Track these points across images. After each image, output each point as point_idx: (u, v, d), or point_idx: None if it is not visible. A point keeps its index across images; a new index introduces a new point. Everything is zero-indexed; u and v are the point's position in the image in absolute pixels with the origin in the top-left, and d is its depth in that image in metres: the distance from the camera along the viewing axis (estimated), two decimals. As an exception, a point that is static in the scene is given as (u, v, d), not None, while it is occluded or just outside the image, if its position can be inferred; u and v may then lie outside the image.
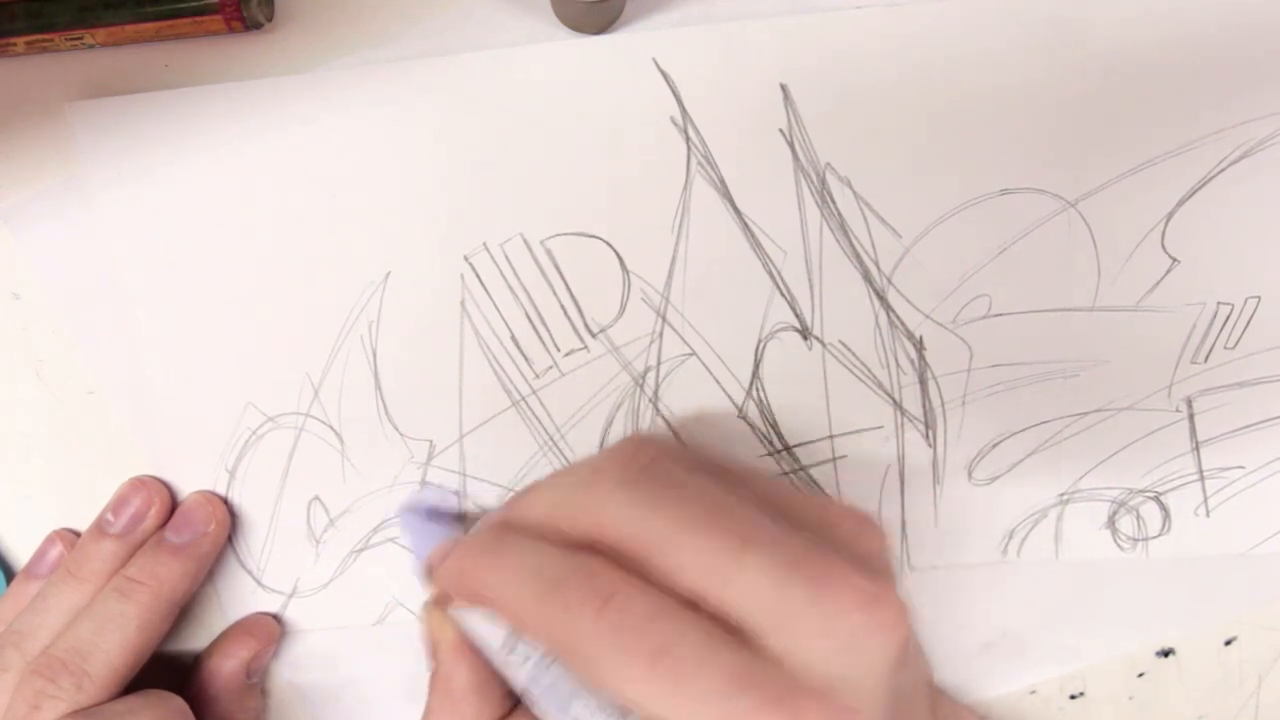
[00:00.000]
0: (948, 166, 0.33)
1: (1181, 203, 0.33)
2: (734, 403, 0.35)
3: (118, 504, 0.36)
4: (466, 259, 0.33)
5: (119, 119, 0.33)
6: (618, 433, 0.35)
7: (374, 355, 0.34)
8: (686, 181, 0.33)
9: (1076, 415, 0.36)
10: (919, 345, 0.35)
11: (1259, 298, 0.34)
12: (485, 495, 0.36)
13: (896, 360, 0.35)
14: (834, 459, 0.36)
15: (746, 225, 0.33)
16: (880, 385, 0.35)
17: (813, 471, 0.36)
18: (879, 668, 0.25)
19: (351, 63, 0.32)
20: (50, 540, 0.38)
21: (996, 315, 0.34)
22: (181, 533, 0.36)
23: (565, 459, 0.36)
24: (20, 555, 0.39)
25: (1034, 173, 0.33)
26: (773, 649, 0.24)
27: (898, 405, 0.35)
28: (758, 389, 0.35)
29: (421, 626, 0.29)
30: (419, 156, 0.32)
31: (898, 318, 0.34)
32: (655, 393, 0.35)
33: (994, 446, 0.36)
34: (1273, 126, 0.32)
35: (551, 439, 0.35)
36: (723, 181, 0.33)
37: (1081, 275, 0.34)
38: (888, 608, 0.25)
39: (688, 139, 0.32)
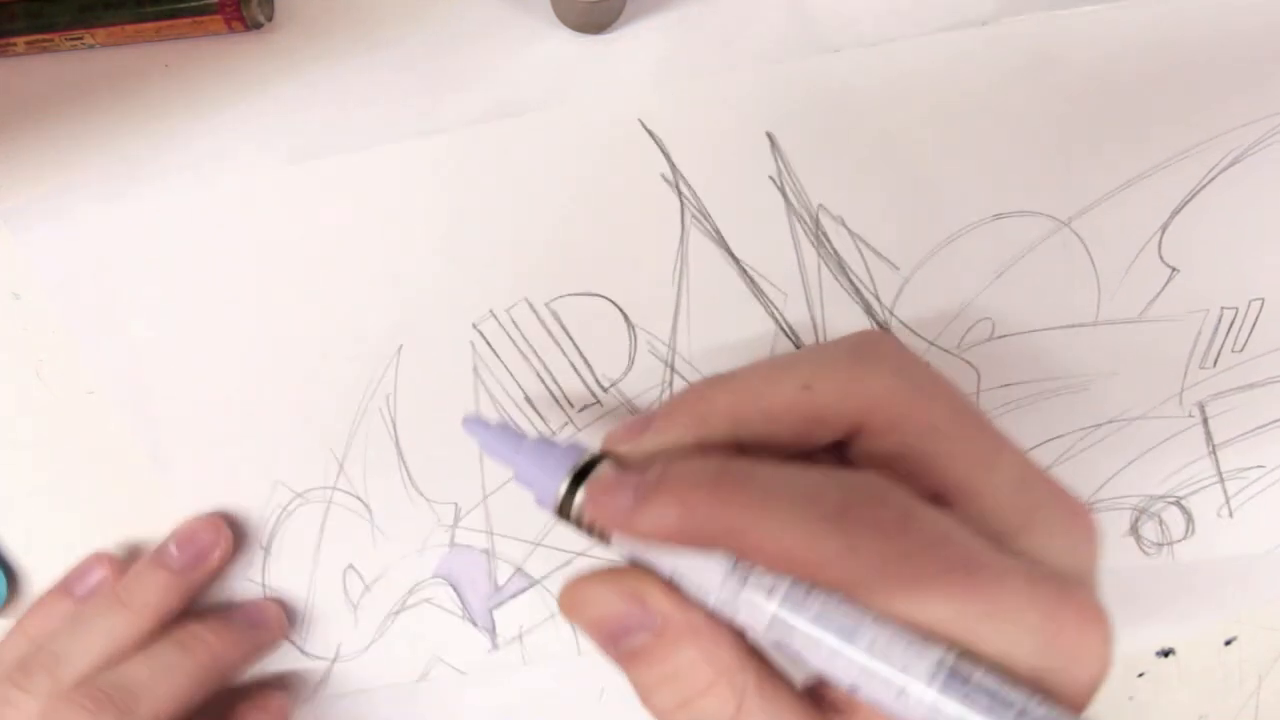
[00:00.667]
0: (939, 196, 0.33)
1: (1175, 213, 0.33)
2: (749, 443, 0.36)
3: (183, 538, 0.36)
4: (475, 326, 0.34)
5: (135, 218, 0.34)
6: (637, 481, 0.36)
7: (394, 425, 0.35)
8: (682, 234, 0.33)
9: (1090, 427, 0.36)
10: (926, 372, 0.35)
11: (1262, 300, 0.34)
12: (513, 552, 0.37)
13: (905, 389, 0.35)
14: (852, 490, 0.36)
15: (745, 271, 0.34)
16: (892, 414, 0.35)
17: (832, 503, 0.36)
18: (1099, 564, 0.25)
19: (350, 67, 0.33)
20: (96, 560, 0.37)
21: (1001, 337, 0.35)
22: (253, 620, 0.37)
23: (588, 511, 0.36)
24: (20, 555, 0.38)
25: (1025, 195, 0.33)
26: (1024, 548, 0.23)
27: (911, 432, 0.36)
28: (771, 428, 0.35)
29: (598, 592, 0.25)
30: (420, 230, 0.33)
31: (903, 348, 0.35)
32: (670, 440, 0.35)
33: (1010, 465, 0.36)
34: (1259, 131, 0.32)
35: (573, 492, 0.36)
36: (718, 231, 0.33)
37: (1082, 291, 0.34)
38: (1093, 517, 0.25)
39: (680, 193, 0.33)
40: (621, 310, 0.34)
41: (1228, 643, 0.40)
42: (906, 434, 0.24)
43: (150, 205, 0.33)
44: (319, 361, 0.35)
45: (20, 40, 0.32)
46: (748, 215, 0.33)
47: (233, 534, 0.36)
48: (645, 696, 0.24)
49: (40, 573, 0.38)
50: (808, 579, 0.22)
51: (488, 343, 0.34)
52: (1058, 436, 0.36)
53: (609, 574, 0.24)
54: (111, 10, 0.31)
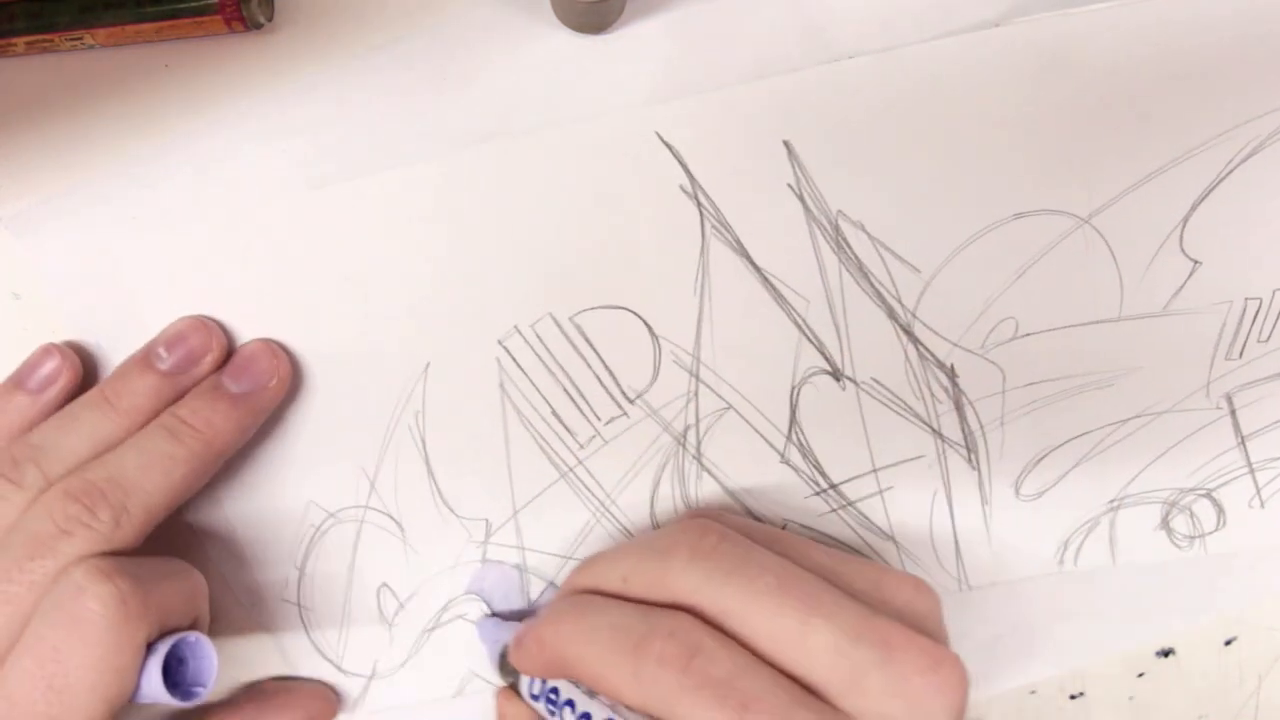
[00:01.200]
0: (958, 198, 0.33)
1: (1195, 206, 0.33)
2: (776, 449, 0.36)
3: (173, 339, 0.33)
4: (500, 343, 0.34)
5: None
6: (666, 492, 0.36)
7: (423, 443, 0.36)
8: (703, 245, 0.33)
9: (1117, 423, 0.36)
10: (951, 374, 0.35)
11: (1287, 288, 0.34)
12: (545, 566, 0.37)
13: (930, 390, 0.35)
14: (880, 491, 0.37)
15: (766, 279, 0.34)
16: (917, 416, 0.36)
17: (860, 505, 0.37)
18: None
19: (351, 67, 0.33)
20: (46, 352, 0.34)
21: (1025, 336, 0.35)
22: (241, 381, 0.33)
23: (619, 523, 0.36)
24: None
25: (1044, 194, 0.33)
26: (847, 708, 0.26)
27: (937, 433, 0.36)
28: (797, 433, 0.36)
29: (496, 709, 0.31)
30: (445, 247, 0.34)
31: (927, 350, 0.35)
32: (698, 449, 0.36)
33: (1037, 462, 0.36)
34: (1277, 121, 0.32)
35: (603, 505, 0.36)
36: (738, 241, 0.33)
37: (1104, 287, 0.34)
38: (951, 668, 0.26)
39: (699, 204, 0.33)
40: (645, 322, 0.34)
41: (1228, 643, 0.40)
42: (710, 618, 0.28)
43: (151, 206, 0.33)
44: (345, 378, 0.35)
45: (20, 40, 0.32)
46: (767, 224, 0.33)
47: (226, 339, 0.34)
48: None
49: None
50: (614, 699, 0.28)
51: (513, 358, 0.35)
52: (1085, 433, 0.36)
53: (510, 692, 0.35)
54: (112, 10, 0.31)
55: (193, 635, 0.31)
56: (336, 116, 0.33)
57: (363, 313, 0.34)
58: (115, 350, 0.35)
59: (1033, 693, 0.40)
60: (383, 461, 0.36)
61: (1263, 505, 0.37)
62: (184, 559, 0.33)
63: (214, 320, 0.34)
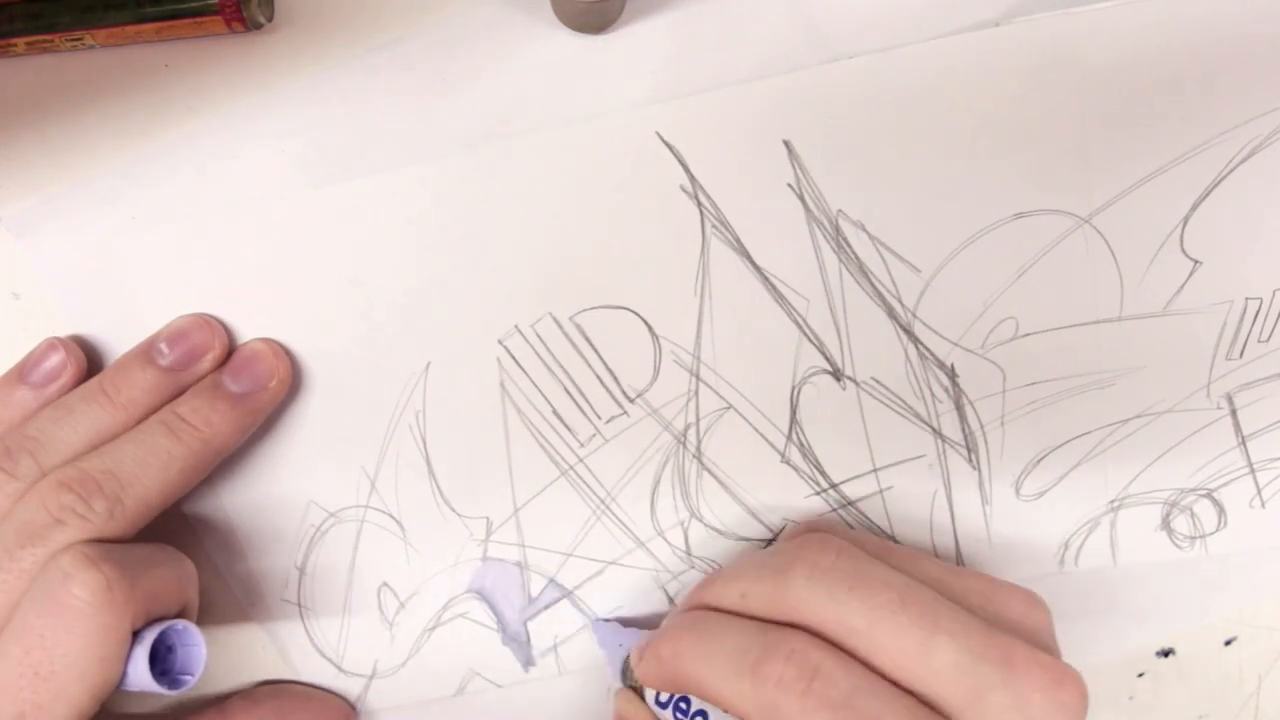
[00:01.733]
0: (958, 198, 0.33)
1: (1195, 206, 0.33)
2: (776, 449, 0.36)
3: (174, 336, 0.33)
4: (501, 343, 0.34)
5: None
6: (666, 490, 0.36)
7: (424, 443, 0.36)
8: (703, 245, 0.33)
9: (1118, 423, 0.36)
10: (951, 373, 0.35)
11: (1287, 289, 0.34)
12: (546, 563, 0.37)
13: (931, 390, 0.35)
14: (881, 491, 0.37)
15: (767, 279, 0.34)
16: (918, 415, 0.36)
17: (861, 505, 0.37)
18: None
19: (351, 67, 0.33)
20: (51, 346, 0.34)
21: (1025, 335, 0.35)
22: (241, 381, 0.33)
23: (619, 520, 0.36)
24: None
25: (1044, 194, 0.33)
26: None
27: (937, 433, 0.36)
28: (797, 433, 0.36)
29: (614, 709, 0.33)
30: (444, 248, 0.34)
31: (927, 349, 0.35)
32: (698, 448, 0.36)
33: (1038, 462, 0.36)
34: (1277, 121, 0.32)
35: (603, 502, 0.36)
36: (739, 241, 0.33)
37: (1105, 287, 0.34)
38: (1073, 685, 0.27)
39: (699, 204, 0.33)
40: (645, 321, 0.34)
41: (1228, 643, 0.40)
42: (831, 636, 0.28)
43: (151, 206, 0.33)
44: (346, 379, 0.35)
45: (20, 41, 0.32)
46: (767, 223, 0.33)
47: (228, 337, 0.34)
48: None
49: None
50: (736, 715, 0.29)
51: (514, 358, 0.35)
52: (1086, 433, 0.36)
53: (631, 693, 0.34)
54: (112, 11, 0.31)
55: (180, 623, 0.31)
56: (336, 117, 0.33)
57: (363, 313, 0.34)
58: (116, 349, 0.35)
59: None
60: (383, 461, 0.36)
61: (1263, 505, 0.37)
62: (182, 553, 0.33)
63: (216, 319, 0.34)
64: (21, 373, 0.34)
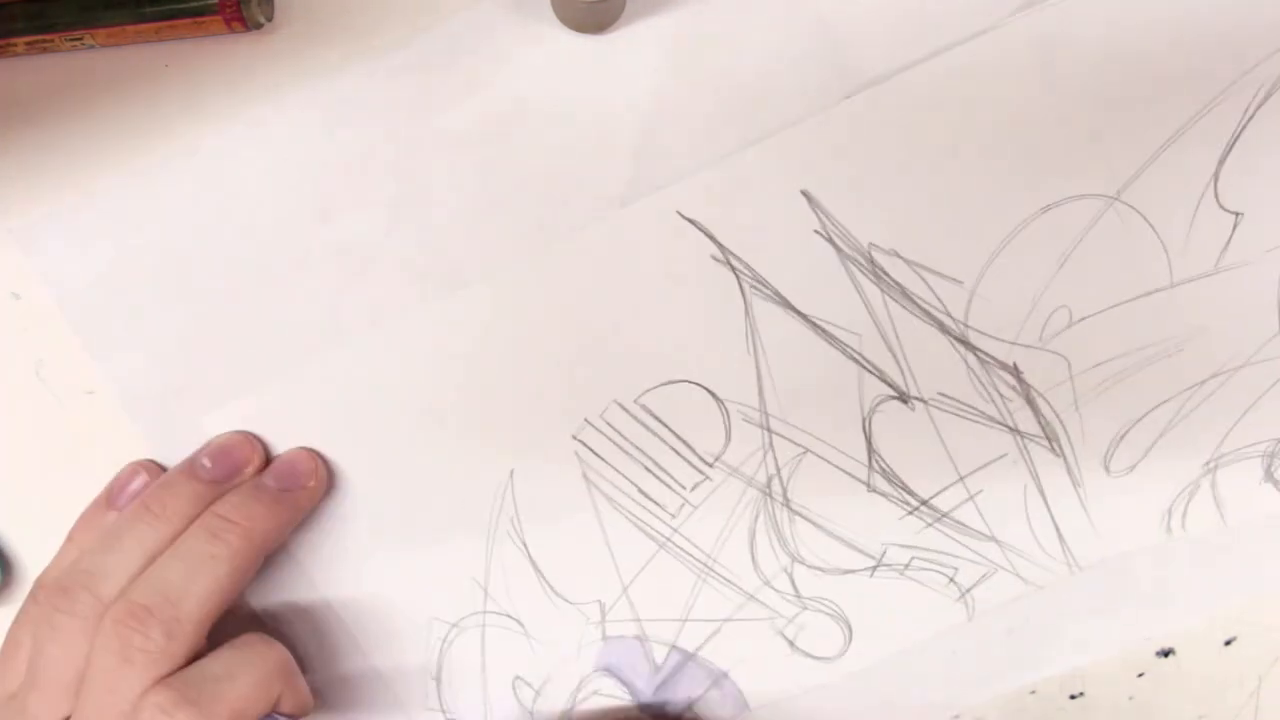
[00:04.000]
0: (983, 204, 0.33)
1: (1222, 160, 0.33)
2: (860, 480, 0.36)
3: (216, 451, 0.35)
4: (575, 438, 0.36)
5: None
6: (764, 542, 0.37)
7: (525, 544, 0.37)
8: (746, 305, 0.34)
9: (1194, 386, 0.36)
10: (1015, 371, 0.35)
11: (1344, 215, 0.34)
12: (664, 632, 0.38)
13: (999, 391, 0.36)
14: (971, 497, 0.37)
15: (815, 324, 0.34)
16: (991, 419, 0.36)
17: (955, 515, 0.37)
18: None
19: (351, 67, 0.33)
20: (134, 470, 0.35)
21: (1080, 320, 0.35)
22: (282, 480, 0.34)
23: (724, 578, 0.37)
24: (21, 555, 0.38)
25: (1067, 181, 0.33)
26: None
27: (1014, 430, 0.36)
28: (878, 460, 0.36)
29: None
30: (507, 361, 0.35)
31: (986, 354, 0.35)
32: (785, 495, 0.37)
33: (1122, 438, 0.36)
34: (1287, 61, 0.32)
35: (705, 565, 0.37)
36: (779, 294, 0.34)
37: (1149, 258, 0.34)
38: None
39: (733, 269, 0.34)
40: (707, 389, 0.35)
41: (1228, 643, 0.40)
42: None
43: (150, 206, 0.34)
44: (440, 499, 0.37)
45: (20, 41, 0.32)
46: (803, 272, 0.34)
47: (266, 451, 0.35)
48: None
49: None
50: None
51: (590, 449, 0.36)
52: (1164, 401, 0.36)
53: None
54: (112, 11, 0.31)
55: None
56: (336, 118, 0.33)
57: (440, 440, 0.36)
58: (117, 347, 0.35)
59: (1033, 693, 0.40)
60: (490, 569, 0.38)
61: (1367, 438, 0.37)
62: (269, 639, 0.34)
63: (257, 435, 0.35)
64: (110, 498, 0.35)
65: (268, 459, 0.35)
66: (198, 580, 0.31)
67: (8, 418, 0.36)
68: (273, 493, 0.34)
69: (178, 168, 0.34)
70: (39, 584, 0.34)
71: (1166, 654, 0.40)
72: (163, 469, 0.36)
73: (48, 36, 0.32)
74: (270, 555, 0.35)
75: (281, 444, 0.36)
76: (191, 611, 0.31)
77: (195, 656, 0.32)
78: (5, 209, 0.34)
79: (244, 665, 0.32)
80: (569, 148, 0.33)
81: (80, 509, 0.36)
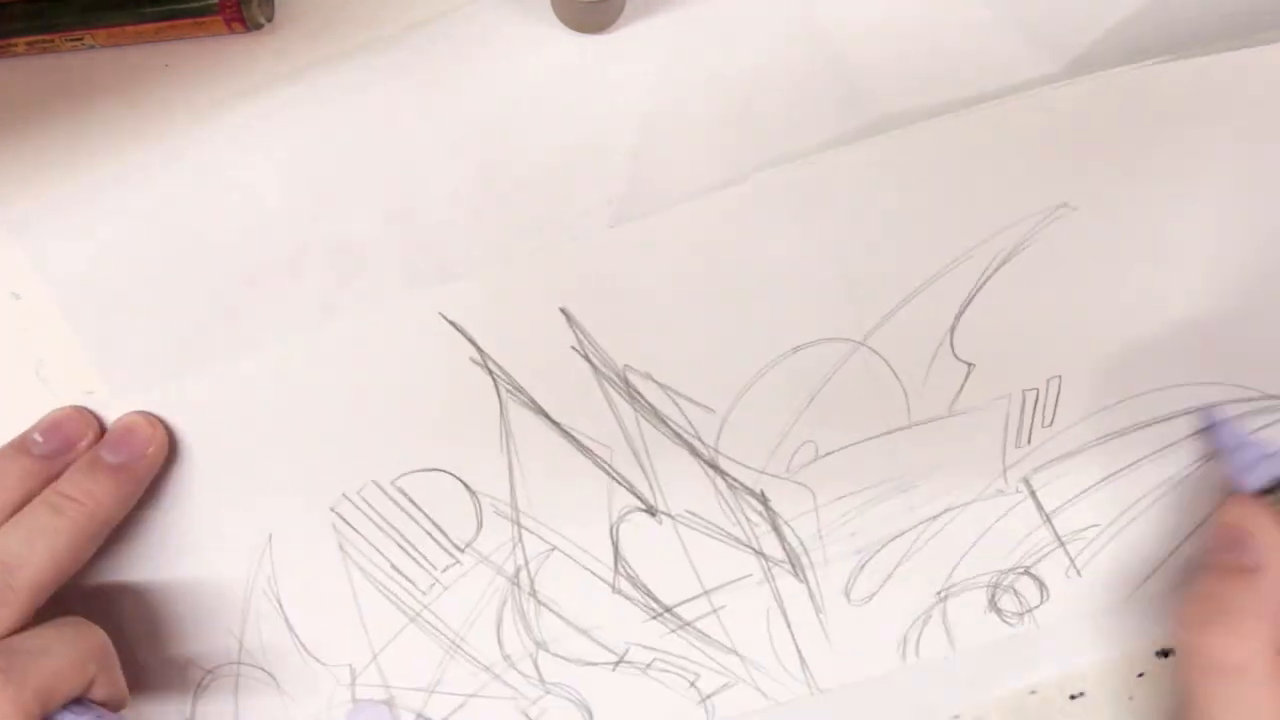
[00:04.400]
0: (737, 340, 0.35)
1: (959, 315, 0.35)
2: (606, 581, 0.38)
3: (48, 427, 0.35)
4: (333, 510, 0.37)
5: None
6: (510, 626, 0.38)
7: (280, 603, 0.38)
8: (501, 408, 0.35)
9: (927, 520, 0.37)
10: (762, 498, 0.37)
11: (1059, 376, 0.36)
12: (412, 699, 0.40)
13: (746, 516, 0.37)
14: (715, 610, 0.38)
15: (567, 433, 0.36)
16: (737, 540, 0.37)
17: (699, 625, 0.39)
18: None
19: (350, 67, 0.33)
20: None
21: (825, 455, 0.36)
22: (119, 452, 0.34)
23: (471, 657, 0.39)
24: None
25: (818, 324, 0.35)
26: None
27: (759, 553, 0.38)
28: (624, 565, 0.38)
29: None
30: (266, 428, 0.36)
31: (735, 480, 0.37)
32: (531, 587, 0.38)
33: (862, 568, 0.38)
34: (1024, 230, 0.34)
35: (454, 642, 0.39)
36: (534, 401, 0.35)
37: (890, 399, 0.36)
38: None
39: (490, 372, 0.35)
40: (460, 480, 0.36)
41: None
42: None
43: (150, 206, 0.34)
44: (198, 550, 0.37)
45: (20, 41, 0.32)
46: (559, 384, 0.35)
47: (100, 427, 0.35)
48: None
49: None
50: None
51: (347, 522, 0.37)
52: (900, 534, 0.38)
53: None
54: (112, 11, 0.32)
55: (78, 705, 0.32)
56: (336, 117, 0.33)
57: (207, 491, 0.37)
58: (117, 346, 0.36)
59: (1033, 693, 0.41)
60: (246, 623, 0.38)
61: (1079, 573, 0.39)
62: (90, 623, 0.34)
63: (89, 409, 0.36)
64: (29, 444, 0.35)
65: (102, 430, 0.36)
66: (35, 550, 0.32)
67: (8, 418, 0.36)
68: (112, 467, 0.34)
69: (177, 167, 0.34)
70: None
71: (1166, 654, 0.41)
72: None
73: (48, 37, 0.32)
74: (112, 528, 0.35)
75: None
76: (27, 579, 0.31)
77: (22, 628, 0.32)
78: (5, 208, 0.34)
79: (61, 643, 0.32)
80: (567, 148, 0.33)
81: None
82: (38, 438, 0.35)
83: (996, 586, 0.39)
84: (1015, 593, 0.39)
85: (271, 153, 0.34)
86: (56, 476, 0.34)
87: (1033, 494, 0.37)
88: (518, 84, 0.33)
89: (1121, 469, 0.37)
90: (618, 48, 0.33)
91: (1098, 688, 0.41)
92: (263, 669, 0.39)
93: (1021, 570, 0.39)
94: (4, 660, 0.30)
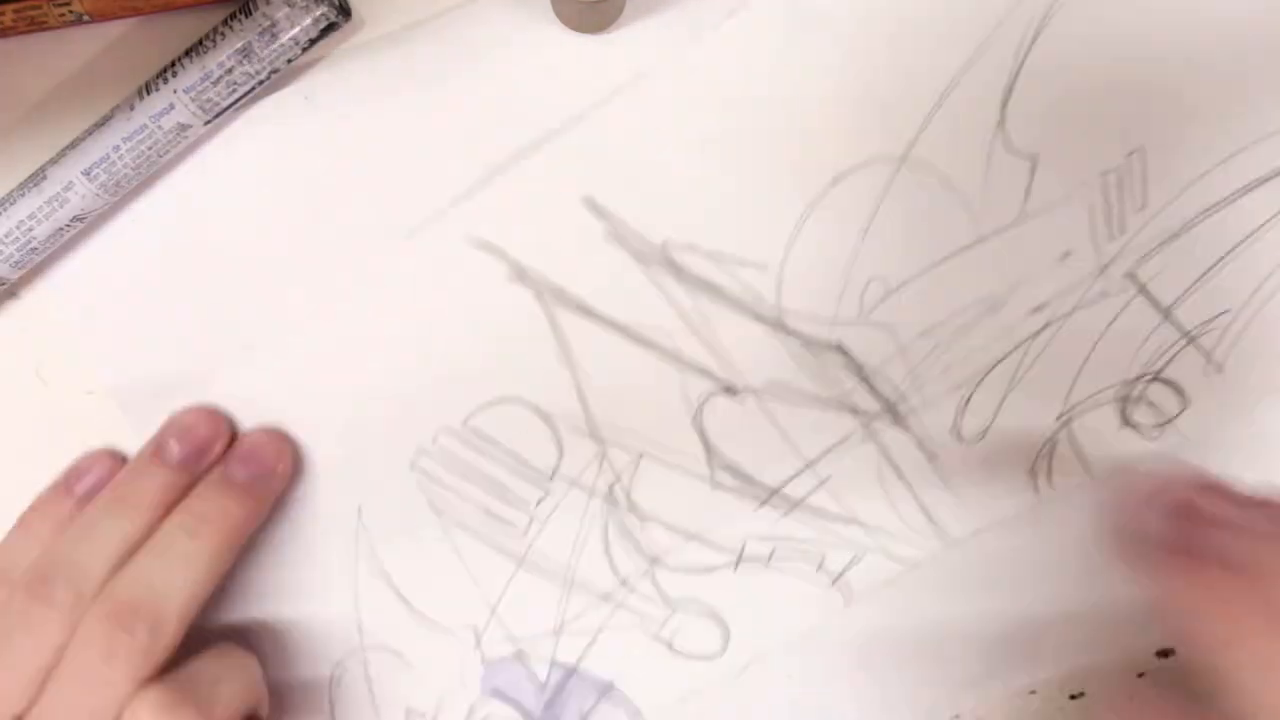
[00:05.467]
0: (772, 185, 0.33)
1: (1005, 103, 0.32)
2: (703, 478, 0.36)
3: (182, 432, 0.34)
4: (414, 467, 0.36)
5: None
6: (618, 548, 0.37)
7: (388, 577, 0.37)
8: (549, 318, 0.34)
9: (1028, 339, 0.35)
10: (841, 350, 0.35)
11: (1141, 148, 0.32)
12: (541, 647, 0.38)
13: (829, 373, 0.35)
14: (823, 483, 0.36)
15: (623, 328, 0.34)
16: (827, 401, 0.35)
17: (810, 502, 0.36)
18: None
19: (347, 65, 0.33)
20: (96, 457, 0.35)
21: (896, 289, 0.34)
22: (250, 468, 0.34)
23: (588, 589, 0.37)
24: None
25: (851, 149, 0.32)
26: None
27: (853, 410, 0.35)
28: (717, 456, 0.36)
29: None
30: (324, 398, 0.36)
31: (808, 337, 0.34)
32: (629, 501, 0.36)
33: (966, 403, 0.35)
34: (1053, -3, 0.31)
35: (567, 578, 0.37)
36: (582, 303, 0.34)
37: (951, 216, 0.33)
38: None
39: (530, 284, 0.34)
40: (530, 404, 0.35)
41: None
42: None
43: (147, 205, 0.34)
44: (292, 541, 0.37)
45: (7, 10, 0.30)
46: (602, 278, 0.34)
47: (232, 425, 0.35)
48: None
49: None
50: None
51: (430, 477, 0.36)
52: (1001, 359, 0.35)
53: None
54: None
55: None
56: (335, 118, 0.33)
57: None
58: (117, 349, 0.35)
59: (1033, 692, 0.39)
60: (360, 605, 0.38)
61: (1220, 370, 0.35)
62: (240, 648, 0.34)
63: (219, 409, 0.35)
64: (67, 485, 0.35)
65: (233, 433, 0.35)
66: (177, 578, 0.31)
67: (8, 418, 0.37)
68: (244, 485, 0.34)
69: (175, 165, 0.34)
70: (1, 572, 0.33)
71: (1166, 654, 0.39)
72: (122, 457, 0.36)
73: (35, 1, 0.30)
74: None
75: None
76: (175, 610, 0.31)
77: (171, 658, 0.32)
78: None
79: (230, 671, 0.33)
80: (565, 148, 0.33)
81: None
82: (173, 445, 0.34)
83: (1126, 399, 0.35)
84: (1149, 403, 0.35)
85: (270, 151, 0.33)
86: (194, 480, 0.34)
87: (1143, 289, 0.34)
88: (517, 83, 0.33)
89: (1241, 241, 0.34)
90: (618, 48, 0.32)
91: (1098, 688, 0.39)
92: (388, 649, 0.39)
93: (1151, 377, 0.35)
94: (189, 692, 0.30)
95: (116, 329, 0.35)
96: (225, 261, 0.34)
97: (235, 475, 0.34)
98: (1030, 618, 0.38)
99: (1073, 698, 0.39)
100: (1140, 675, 0.39)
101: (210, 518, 0.33)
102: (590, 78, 0.32)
